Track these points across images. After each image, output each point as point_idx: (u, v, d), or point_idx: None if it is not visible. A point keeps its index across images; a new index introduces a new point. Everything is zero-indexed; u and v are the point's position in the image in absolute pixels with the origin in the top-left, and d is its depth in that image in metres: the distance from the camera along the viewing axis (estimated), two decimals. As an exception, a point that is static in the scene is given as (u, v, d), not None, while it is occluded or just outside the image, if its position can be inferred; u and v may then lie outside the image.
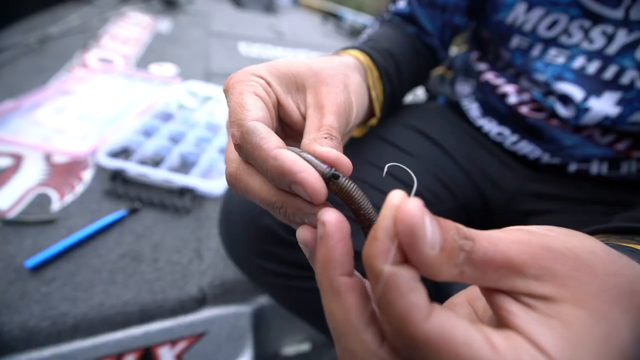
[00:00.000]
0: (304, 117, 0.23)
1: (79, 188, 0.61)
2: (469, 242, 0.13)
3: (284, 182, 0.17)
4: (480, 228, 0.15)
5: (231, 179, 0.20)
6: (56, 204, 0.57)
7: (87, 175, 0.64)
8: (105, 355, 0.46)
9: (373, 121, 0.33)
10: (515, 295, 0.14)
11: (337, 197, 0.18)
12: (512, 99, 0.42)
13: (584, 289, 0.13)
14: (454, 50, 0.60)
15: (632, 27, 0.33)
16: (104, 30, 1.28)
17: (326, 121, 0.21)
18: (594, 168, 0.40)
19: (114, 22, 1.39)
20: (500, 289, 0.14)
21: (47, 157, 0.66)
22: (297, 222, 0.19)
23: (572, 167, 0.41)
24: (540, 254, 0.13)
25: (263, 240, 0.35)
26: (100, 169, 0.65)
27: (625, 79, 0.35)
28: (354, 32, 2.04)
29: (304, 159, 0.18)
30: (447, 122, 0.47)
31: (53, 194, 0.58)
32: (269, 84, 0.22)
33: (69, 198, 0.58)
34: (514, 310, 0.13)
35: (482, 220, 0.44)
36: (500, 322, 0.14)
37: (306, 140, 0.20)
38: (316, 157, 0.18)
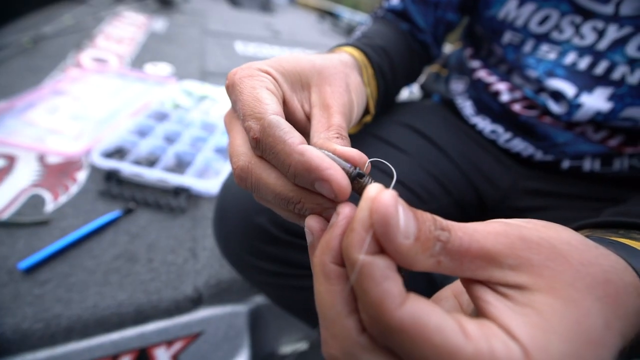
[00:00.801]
0: (307, 116, 0.23)
1: (73, 189, 0.60)
2: (445, 233, 0.13)
3: (308, 178, 0.17)
4: None
5: (242, 173, 0.19)
6: (50, 205, 0.56)
7: (82, 175, 0.63)
8: (100, 357, 0.45)
9: (367, 118, 0.33)
10: (492, 285, 0.14)
11: (358, 195, 0.18)
12: (505, 97, 0.42)
13: (559, 278, 0.13)
14: (449, 48, 0.60)
15: (622, 22, 0.33)
16: (99, 30, 1.27)
17: (335, 121, 0.21)
18: (587, 165, 0.40)
19: (108, 21, 1.38)
20: (478, 279, 0.14)
21: (41, 158, 0.65)
22: (306, 216, 0.19)
23: (565, 164, 0.41)
24: (517, 244, 0.14)
25: (256, 239, 0.35)
26: (94, 170, 0.65)
27: (616, 75, 0.35)
28: (351, 30, 2.04)
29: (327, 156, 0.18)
30: (441, 120, 0.47)
31: (47, 195, 0.58)
32: (276, 80, 0.22)
33: (63, 199, 0.58)
34: (490, 299, 0.14)
35: (477, 217, 0.44)
36: (478, 311, 0.14)
37: (318, 139, 0.20)
38: (337, 156, 0.18)
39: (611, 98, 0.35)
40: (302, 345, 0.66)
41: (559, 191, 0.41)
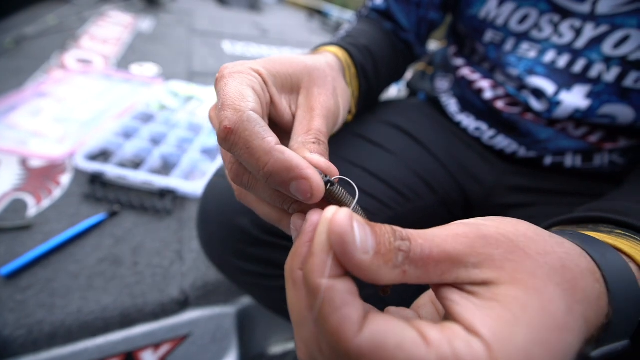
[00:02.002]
0: (294, 118, 0.23)
1: (57, 192, 0.60)
2: (406, 242, 0.14)
3: (286, 177, 0.17)
4: None
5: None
6: (32, 209, 0.56)
7: (65, 179, 0.62)
8: (86, 362, 0.45)
9: (348, 117, 0.33)
10: (459, 285, 0.14)
11: (327, 202, 0.18)
12: (488, 94, 0.43)
13: (520, 269, 0.14)
14: (435, 46, 0.61)
15: (599, 21, 0.34)
16: (83, 30, 1.25)
17: (315, 125, 0.21)
18: (569, 161, 0.41)
19: (93, 21, 1.36)
20: (447, 283, 0.15)
21: (23, 162, 0.64)
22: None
23: (548, 160, 0.42)
24: (477, 242, 0.14)
25: (239, 241, 0.35)
26: (78, 172, 0.64)
27: (593, 72, 0.35)
28: (340, 28, 2.04)
29: None
30: (426, 118, 0.48)
31: (29, 199, 0.57)
32: (265, 82, 0.21)
33: (46, 203, 0.57)
34: (456, 298, 0.14)
35: (463, 215, 0.45)
36: (446, 312, 0.15)
37: (295, 144, 0.20)
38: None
39: (589, 95, 0.36)
40: (292, 345, 0.66)
41: (542, 187, 0.42)
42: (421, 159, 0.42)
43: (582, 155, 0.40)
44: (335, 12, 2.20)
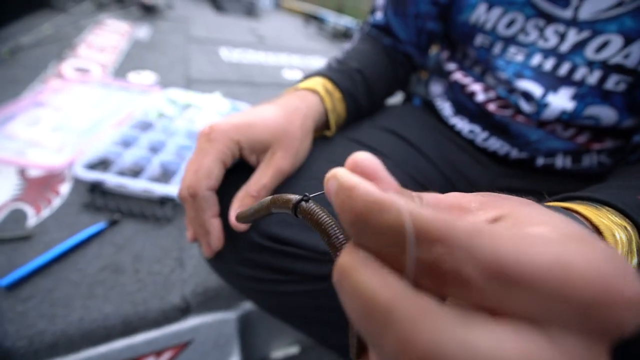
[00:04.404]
0: (257, 164, 0.32)
1: (56, 202, 0.60)
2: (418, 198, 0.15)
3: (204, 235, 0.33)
4: None
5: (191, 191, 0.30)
6: (32, 219, 0.56)
7: (65, 188, 0.63)
8: (87, 371, 0.45)
9: (328, 133, 0.39)
10: None
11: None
12: (480, 97, 0.44)
13: (519, 204, 0.15)
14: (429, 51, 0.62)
15: (581, 26, 0.35)
16: (80, 39, 1.26)
17: (263, 182, 0.30)
18: (559, 162, 0.42)
19: (90, 30, 1.36)
20: None
21: (22, 172, 0.64)
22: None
23: (539, 162, 0.43)
24: (476, 196, 0.15)
25: (241, 248, 0.35)
26: (77, 182, 0.64)
27: (577, 75, 0.36)
28: (337, 34, 2.06)
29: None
30: (420, 122, 0.49)
31: (28, 209, 0.57)
32: (241, 148, 0.31)
33: (45, 212, 0.57)
34: None
35: None
36: None
37: (241, 191, 0.31)
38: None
39: (574, 97, 0.37)
40: (293, 349, 0.67)
41: (533, 188, 0.43)
42: (416, 162, 0.43)
43: (572, 156, 0.41)
44: (332, 18, 2.22)
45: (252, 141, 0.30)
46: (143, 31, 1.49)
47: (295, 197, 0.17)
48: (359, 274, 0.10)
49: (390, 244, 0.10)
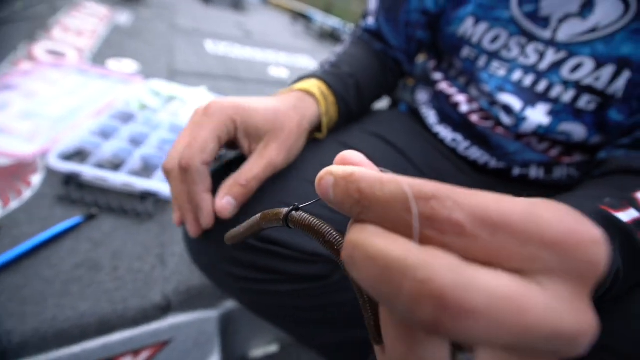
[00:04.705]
0: (249, 153, 0.32)
1: (27, 193, 0.56)
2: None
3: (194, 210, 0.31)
4: None
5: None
6: (-1, 211, 0.52)
7: (36, 179, 0.59)
8: (59, 372, 0.43)
9: (319, 135, 0.40)
10: None
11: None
12: (464, 108, 0.46)
13: None
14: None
15: (558, 47, 0.38)
16: (55, 20, 1.18)
17: (254, 172, 0.30)
18: (533, 172, 0.45)
19: (66, 11, 1.29)
20: None
21: (-12, 160, 0.60)
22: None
23: (516, 172, 0.46)
24: None
25: (229, 247, 0.35)
26: (51, 173, 0.61)
27: (553, 93, 0.39)
28: (323, 34, 2.07)
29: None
30: (407, 128, 0.50)
31: (-5, 200, 0.54)
32: (236, 128, 0.30)
33: (14, 204, 0.54)
34: None
35: None
36: None
37: (231, 179, 0.30)
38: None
39: (550, 113, 0.40)
40: (272, 348, 0.67)
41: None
42: (402, 167, 0.44)
43: (545, 168, 0.45)
44: (319, 17, 2.22)
45: (248, 125, 0.30)
46: (124, 17, 1.43)
47: (284, 209, 0.17)
48: (371, 241, 0.12)
49: (394, 212, 0.12)
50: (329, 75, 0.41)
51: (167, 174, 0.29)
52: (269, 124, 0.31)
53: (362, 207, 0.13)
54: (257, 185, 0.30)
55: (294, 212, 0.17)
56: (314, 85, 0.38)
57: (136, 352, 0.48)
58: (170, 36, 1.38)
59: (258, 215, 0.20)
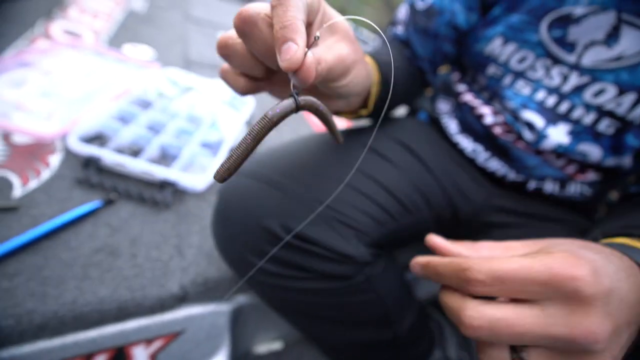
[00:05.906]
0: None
1: (45, 174, 0.56)
2: None
3: (286, 36, 0.21)
4: (450, 236, 0.28)
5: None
6: (18, 190, 0.52)
7: (55, 160, 0.59)
8: (74, 356, 0.43)
9: (363, 112, 0.38)
10: None
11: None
12: (488, 120, 0.48)
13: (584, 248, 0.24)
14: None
15: (582, 71, 0.39)
16: (71, 0, 1.17)
17: (326, 57, 0.25)
18: (548, 187, 0.47)
19: (81, -9, 1.27)
20: None
21: (5, 136, 0.59)
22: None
23: (532, 185, 0.47)
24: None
25: (264, 242, 0.36)
26: (69, 155, 0.60)
27: (575, 114, 0.41)
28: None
29: None
30: (428, 137, 0.51)
31: (14, 178, 0.53)
32: (317, 12, 0.25)
33: (33, 184, 0.53)
34: None
35: (451, 229, 0.49)
36: None
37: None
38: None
39: (570, 133, 0.42)
40: (276, 345, 0.67)
41: (523, 210, 0.47)
42: (421, 174, 0.45)
43: (560, 183, 0.46)
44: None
45: (326, 14, 0.26)
46: (139, 3, 1.41)
47: (290, 99, 0.22)
48: (448, 299, 0.25)
49: (453, 280, 0.25)
50: (379, 54, 0.40)
51: (243, 19, 0.23)
52: (344, 27, 0.28)
53: (438, 278, 0.26)
54: (325, 71, 0.25)
55: (300, 97, 0.23)
56: (369, 58, 0.37)
57: (149, 341, 0.49)
58: (185, 26, 1.37)
59: (269, 114, 0.21)
